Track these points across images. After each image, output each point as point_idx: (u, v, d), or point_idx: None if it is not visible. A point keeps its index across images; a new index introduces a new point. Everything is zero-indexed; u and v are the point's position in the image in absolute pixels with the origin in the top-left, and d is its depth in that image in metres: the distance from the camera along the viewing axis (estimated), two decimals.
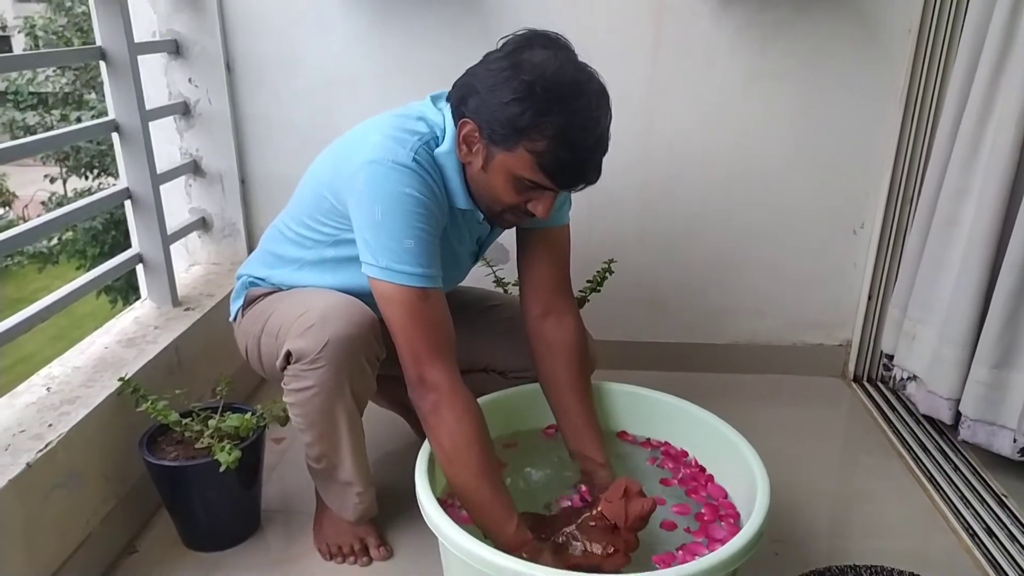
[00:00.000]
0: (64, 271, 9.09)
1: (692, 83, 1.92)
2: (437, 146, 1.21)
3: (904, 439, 1.85)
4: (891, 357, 2.00)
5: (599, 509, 1.15)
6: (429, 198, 1.18)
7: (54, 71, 8.85)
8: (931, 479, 1.69)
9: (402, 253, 1.16)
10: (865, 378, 2.15)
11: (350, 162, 1.21)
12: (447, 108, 1.22)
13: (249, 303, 1.42)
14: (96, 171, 9.07)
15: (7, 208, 11.70)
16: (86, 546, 1.32)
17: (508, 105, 1.11)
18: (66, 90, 9.14)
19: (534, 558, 1.09)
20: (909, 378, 1.92)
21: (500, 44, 1.17)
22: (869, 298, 2.08)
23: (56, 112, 8.98)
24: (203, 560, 1.42)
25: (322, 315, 1.22)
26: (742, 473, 1.23)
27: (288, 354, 1.24)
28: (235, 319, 1.46)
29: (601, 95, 1.15)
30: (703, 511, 1.26)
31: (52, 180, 9.93)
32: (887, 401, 2.04)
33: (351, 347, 1.21)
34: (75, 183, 9.67)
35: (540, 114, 1.09)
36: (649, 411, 1.44)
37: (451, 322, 1.23)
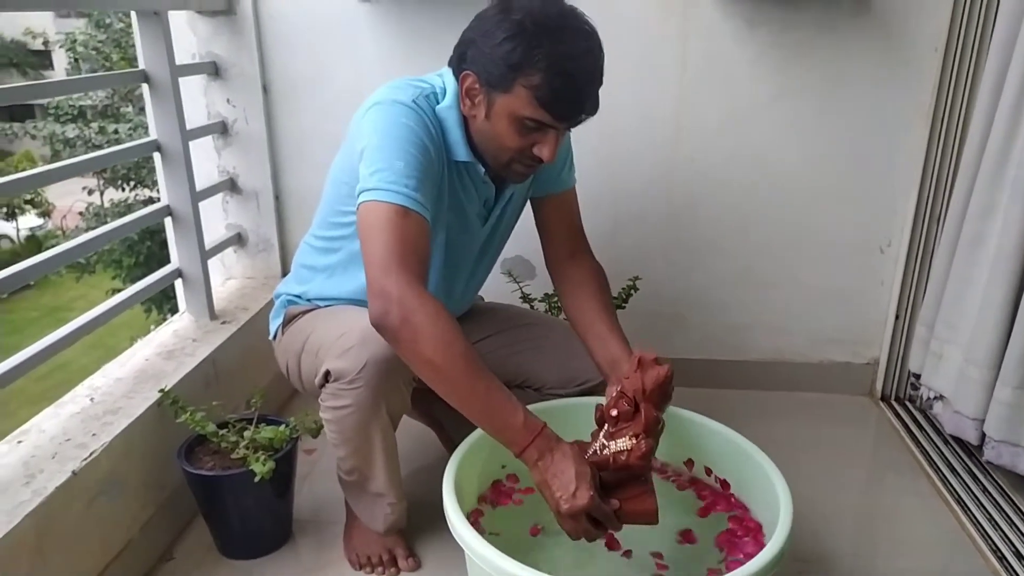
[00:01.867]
0: (100, 280, 9.31)
1: (718, 102, 1.94)
2: (438, 103, 1.27)
3: (932, 459, 1.85)
4: (918, 376, 1.99)
5: (620, 388, 1.16)
6: (425, 133, 1.23)
7: None
8: (958, 500, 1.68)
9: (389, 172, 1.17)
10: (893, 397, 2.15)
11: (357, 124, 1.28)
12: (448, 73, 1.29)
13: (288, 321, 1.46)
14: (132, 183, 9.28)
15: (46, 218, 11.97)
16: (126, 552, 1.36)
17: (500, 45, 1.16)
18: (104, 103, 9.38)
19: (548, 450, 1.10)
20: (936, 398, 1.92)
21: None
22: (896, 317, 2.08)
23: (95, 125, 9.22)
24: (237, 568, 1.46)
25: (362, 337, 1.23)
26: (765, 492, 1.24)
27: (327, 373, 1.27)
28: (275, 337, 1.50)
29: (591, 31, 1.20)
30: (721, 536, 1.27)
31: (90, 192, 10.16)
32: (915, 420, 2.03)
33: (389, 369, 1.23)
34: (111, 194, 9.90)
35: (531, 47, 1.14)
36: (671, 429, 1.43)
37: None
